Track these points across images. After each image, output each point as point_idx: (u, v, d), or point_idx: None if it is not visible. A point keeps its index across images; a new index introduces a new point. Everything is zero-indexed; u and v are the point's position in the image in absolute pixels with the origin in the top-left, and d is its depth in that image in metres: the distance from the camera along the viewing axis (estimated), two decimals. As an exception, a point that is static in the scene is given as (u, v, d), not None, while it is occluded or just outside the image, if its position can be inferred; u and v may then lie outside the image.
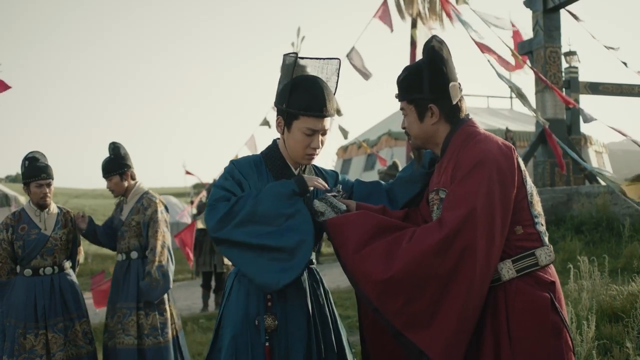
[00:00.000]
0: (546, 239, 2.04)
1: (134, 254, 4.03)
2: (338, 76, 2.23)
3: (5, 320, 3.73)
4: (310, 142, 2.14)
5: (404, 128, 2.17)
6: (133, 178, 4.17)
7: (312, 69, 2.22)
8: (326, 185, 2.16)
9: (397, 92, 2.16)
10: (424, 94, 2.05)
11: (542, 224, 2.05)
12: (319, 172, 2.38)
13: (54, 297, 3.76)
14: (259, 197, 2.05)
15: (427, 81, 2.04)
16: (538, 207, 2.05)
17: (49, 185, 3.80)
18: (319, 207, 2.08)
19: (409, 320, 1.88)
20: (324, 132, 2.17)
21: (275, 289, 2.00)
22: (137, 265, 4.01)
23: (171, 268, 4.09)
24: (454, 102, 2.06)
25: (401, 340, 1.90)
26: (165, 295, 4.06)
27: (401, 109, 2.15)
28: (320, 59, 2.23)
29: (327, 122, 2.17)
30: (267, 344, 2.08)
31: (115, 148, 4.10)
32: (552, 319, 1.93)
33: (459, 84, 2.10)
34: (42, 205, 3.83)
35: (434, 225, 1.94)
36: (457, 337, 1.86)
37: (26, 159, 3.82)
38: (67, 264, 3.94)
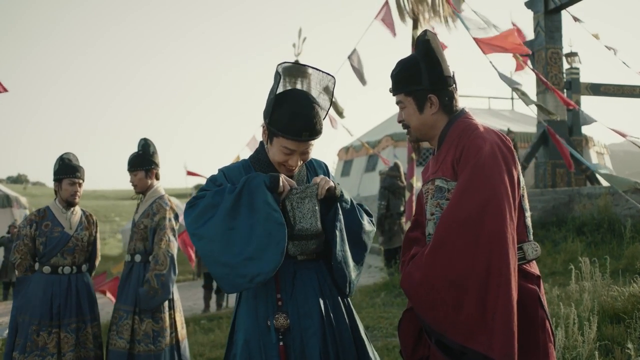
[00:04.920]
0: (531, 235, 2.08)
1: (138, 257, 3.98)
2: (332, 95, 2.19)
3: (18, 316, 3.74)
4: (288, 160, 2.14)
5: (400, 121, 2.19)
6: (157, 178, 4.13)
7: (309, 78, 2.18)
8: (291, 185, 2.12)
9: (391, 86, 2.18)
10: (423, 85, 2.08)
11: (529, 218, 2.09)
12: (309, 163, 2.36)
13: (70, 297, 3.78)
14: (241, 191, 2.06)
15: (425, 72, 2.08)
16: (527, 203, 2.09)
17: (80, 185, 3.91)
18: (294, 251, 2.12)
19: (465, 329, 1.85)
20: (304, 152, 2.15)
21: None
22: (139, 269, 3.95)
23: (172, 278, 3.98)
24: (457, 90, 2.12)
25: (466, 359, 1.87)
26: (166, 303, 3.96)
27: (398, 102, 2.17)
28: (319, 70, 2.17)
29: (308, 144, 2.13)
30: (281, 343, 2.08)
31: (145, 144, 4.08)
32: (540, 312, 1.97)
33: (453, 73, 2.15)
34: (70, 203, 3.89)
35: (445, 215, 1.96)
36: (510, 333, 1.81)
37: (61, 157, 3.91)
38: (84, 267, 3.95)
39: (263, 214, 2.02)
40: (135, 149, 4.16)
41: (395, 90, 2.16)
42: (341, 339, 2.17)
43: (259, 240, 2.01)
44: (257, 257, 2.00)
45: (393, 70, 2.17)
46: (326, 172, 2.40)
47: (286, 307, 2.12)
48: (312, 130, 2.08)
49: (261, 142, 2.28)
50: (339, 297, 2.24)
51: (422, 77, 2.08)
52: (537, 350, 1.94)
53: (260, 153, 2.27)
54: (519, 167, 2.05)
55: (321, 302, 2.16)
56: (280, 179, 2.07)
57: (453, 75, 2.14)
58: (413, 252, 2.12)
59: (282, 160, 2.14)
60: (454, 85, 2.14)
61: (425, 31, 2.15)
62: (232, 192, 2.07)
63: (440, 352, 1.93)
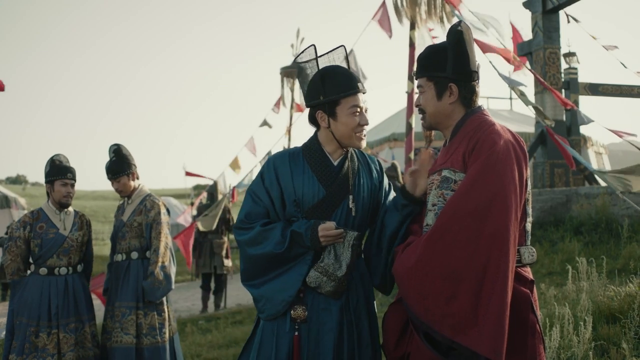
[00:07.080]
0: (529, 240, 2.07)
1: (135, 254, 4.05)
2: (347, 61, 2.32)
3: (15, 319, 3.74)
4: (359, 121, 2.23)
5: (417, 105, 2.20)
6: (137, 178, 4.20)
7: (323, 64, 2.30)
8: (337, 235, 2.18)
9: (416, 69, 2.20)
10: (446, 73, 2.09)
11: (530, 223, 2.08)
12: (362, 157, 2.41)
13: (67, 297, 3.80)
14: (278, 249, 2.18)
15: (451, 61, 2.09)
16: (530, 207, 2.08)
17: (72, 185, 3.92)
18: (312, 281, 2.16)
19: (455, 322, 1.84)
20: (365, 109, 2.26)
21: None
22: (137, 265, 4.02)
23: (173, 269, 4.12)
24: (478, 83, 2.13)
25: (453, 354, 1.86)
26: (164, 296, 4.09)
27: (419, 86, 2.18)
28: (326, 53, 2.32)
29: (364, 98, 2.27)
30: (296, 333, 2.13)
31: (117, 149, 4.11)
32: (531, 316, 1.96)
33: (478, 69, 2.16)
34: (63, 204, 3.90)
35: (450, 205, 1.95)
36: (500, 330, 1.81)
37: (52, 159, 3.91)
38: (79, 267, 3.97)
39: (292, 281, 2.18)
40: (134, 150, 4.23)
41: (418, 74, 2.18)
42: (359, 340, 2.19)
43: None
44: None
45: (420, 54, 2.19)
46: (378, 167, 2.45)
47: (307, 299, 2.16)
48: (360, 82, 2.26)
49: (315, 132, 2.33)
50: (365, 300, 2.27)
51: (447, 65, 2.09)
52: (525, 353, 1.92)
53: (313, 142, 2.32)
54: (529, 170, 2.04)
55: (344, 299, 2.19)
56: (322, 239, 2.15)
57: (477, 70, 2.13)
58: (409, 241, 2.11)
59: (355, 125, 2.22)
60: (477, 81, 2.14)
61: (459, 22, 2.16)
62: (276, 253, 2.19)
63: (428, 346, 1.91)
